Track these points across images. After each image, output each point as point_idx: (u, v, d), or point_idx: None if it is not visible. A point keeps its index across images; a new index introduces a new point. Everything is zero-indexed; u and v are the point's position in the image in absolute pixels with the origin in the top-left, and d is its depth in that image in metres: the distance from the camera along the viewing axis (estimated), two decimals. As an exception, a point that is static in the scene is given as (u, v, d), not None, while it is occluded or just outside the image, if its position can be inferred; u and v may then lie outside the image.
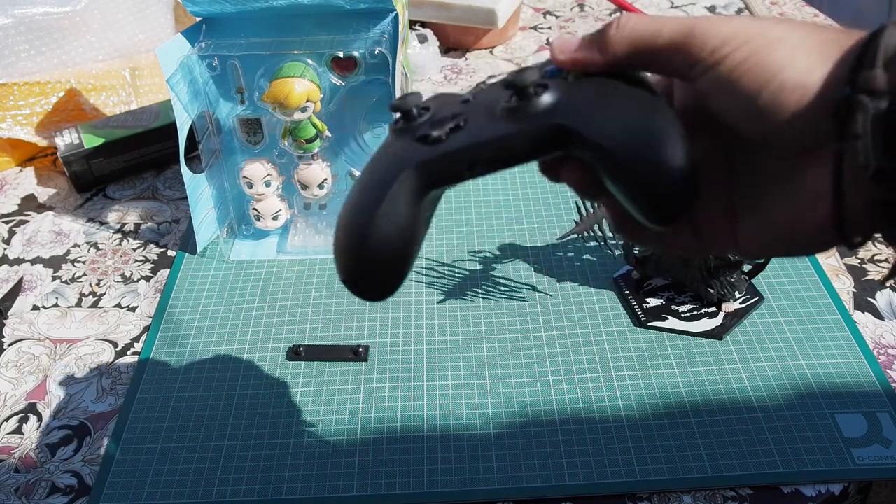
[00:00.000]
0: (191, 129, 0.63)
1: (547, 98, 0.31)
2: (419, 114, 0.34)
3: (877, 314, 0.60)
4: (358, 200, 0.34)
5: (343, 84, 0.63)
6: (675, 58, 0.30)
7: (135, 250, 0.71)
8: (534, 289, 0.63)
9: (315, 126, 0.63)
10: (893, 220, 0.27)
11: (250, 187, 0.66)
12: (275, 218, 0.67)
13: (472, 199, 0.73)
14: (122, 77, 0.84)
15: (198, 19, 0.63)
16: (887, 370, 0.56)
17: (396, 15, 0.61)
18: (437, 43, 0.95)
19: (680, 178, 0.29)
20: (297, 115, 0.61)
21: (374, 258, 0.33)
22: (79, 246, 0.72)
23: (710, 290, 0.59)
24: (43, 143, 0.80)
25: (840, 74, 0.26)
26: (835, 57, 0.27)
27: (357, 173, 0.68)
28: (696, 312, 0.60)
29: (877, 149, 0.25)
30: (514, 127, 0.31)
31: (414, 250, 0.34)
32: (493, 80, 0.35)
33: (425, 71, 0.93)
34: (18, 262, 0.70)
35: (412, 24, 0.97)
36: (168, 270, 0.68)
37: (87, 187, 0.78)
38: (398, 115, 0.34)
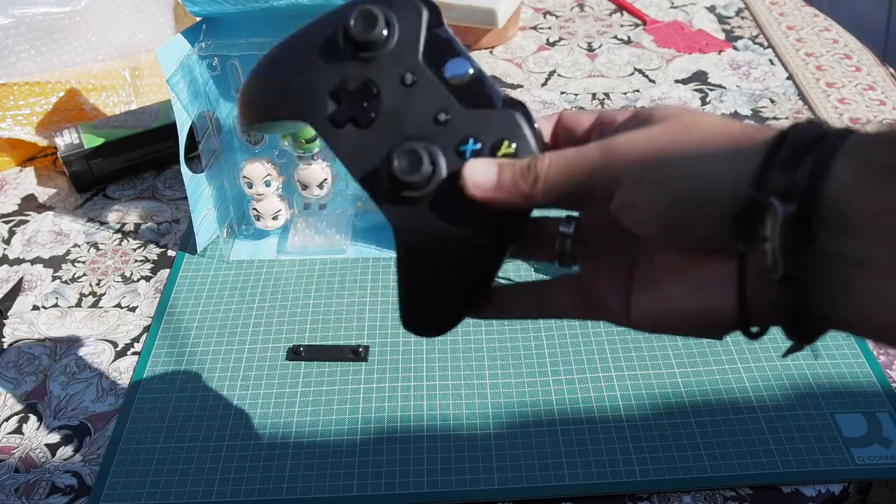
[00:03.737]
0: (191, 129, 0.63)
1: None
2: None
3: (877, 314, 0.60)
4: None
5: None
6: (591, 195, 0.30)
7: (135, 250, 0.71)
8: (534, 289, 0.63)
9: (315, 126, 0.63)
10: (797, 318, 0.27)
11: (250, 187, 0.66)
12: (275, 218, 0.67)
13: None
14: (122, 77, 0.84)
15: (198, 19, 0.63)
16: (887, 370, 0.56)
17: (396, 15, 0.61)
18: (437, 43, 0.95)
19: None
20: (297, 115, 0.61)
21: None
22: (79, 246, 0.72)
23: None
24: (43, 143, 0.80)
25: (746, 174, 0.26)
26: (743, 155, 0.26)
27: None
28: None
29: (785, 253, 0.25)
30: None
31: None
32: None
33: (425, 71, 0.93)
34: (18, 262, 0.70)
35: (412, 24, 0.97)
36: (168, 270, 0.68)
37: (87, 187, 0.78)
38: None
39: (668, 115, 0.30)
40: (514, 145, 0.32)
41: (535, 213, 0.33)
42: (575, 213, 0.34)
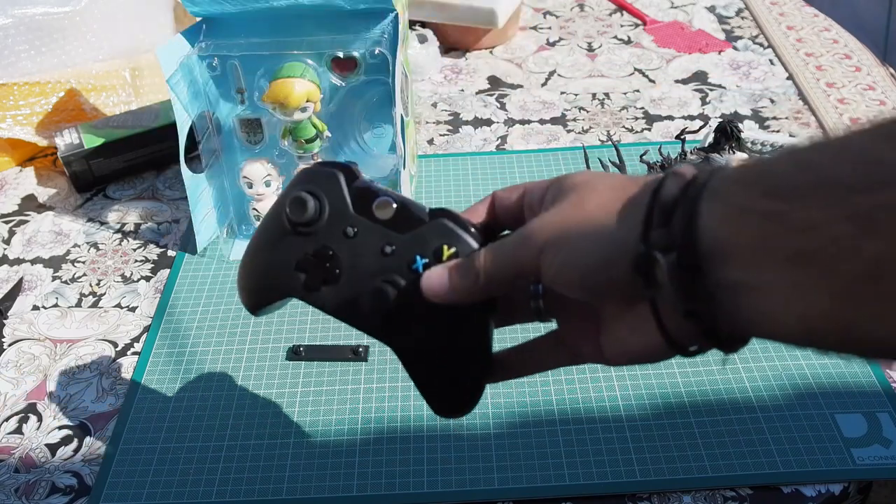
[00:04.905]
0: (191, 129, 0.63)
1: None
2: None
3: (877, 314, 0.60)
4: None
5: (343, 84, 0.63)
6: (526, 275, 0.34)
7: (135, 250, 0.71)
8: (534, 289, 0.63)
9: (315, 126, 0.63)
10: (715, 340, 0.31)
11: (250, 187, 0.66)
12: (275, 218, 0.67)
13: (471, 196, 0.73)
14: (122, 77, 0.84)
15: (198, 19, 0.63)
16: (887, 370, 0.56)
17: (396, 15, 0.61)
18: (437, 43, 0.95)
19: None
20: (297, 115, 0.61)
21: None
22: (79, 246, 0.72)
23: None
24: (43, 143, 0.80)
25: (635, 233, 0.30)
26: (630, 218, 0.30)
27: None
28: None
29: (681, 293, 0.29)
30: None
31: None
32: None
33: (425, 71, 0.93)
34: (18, 262, 0.70)
35: (412, 24, 0.97)
36: (168, 270, 0.68)
37: (87, 187, 0.78)
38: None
39: (572, 186, 0.34)
40: (453, 248, 0.37)
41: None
42: None
